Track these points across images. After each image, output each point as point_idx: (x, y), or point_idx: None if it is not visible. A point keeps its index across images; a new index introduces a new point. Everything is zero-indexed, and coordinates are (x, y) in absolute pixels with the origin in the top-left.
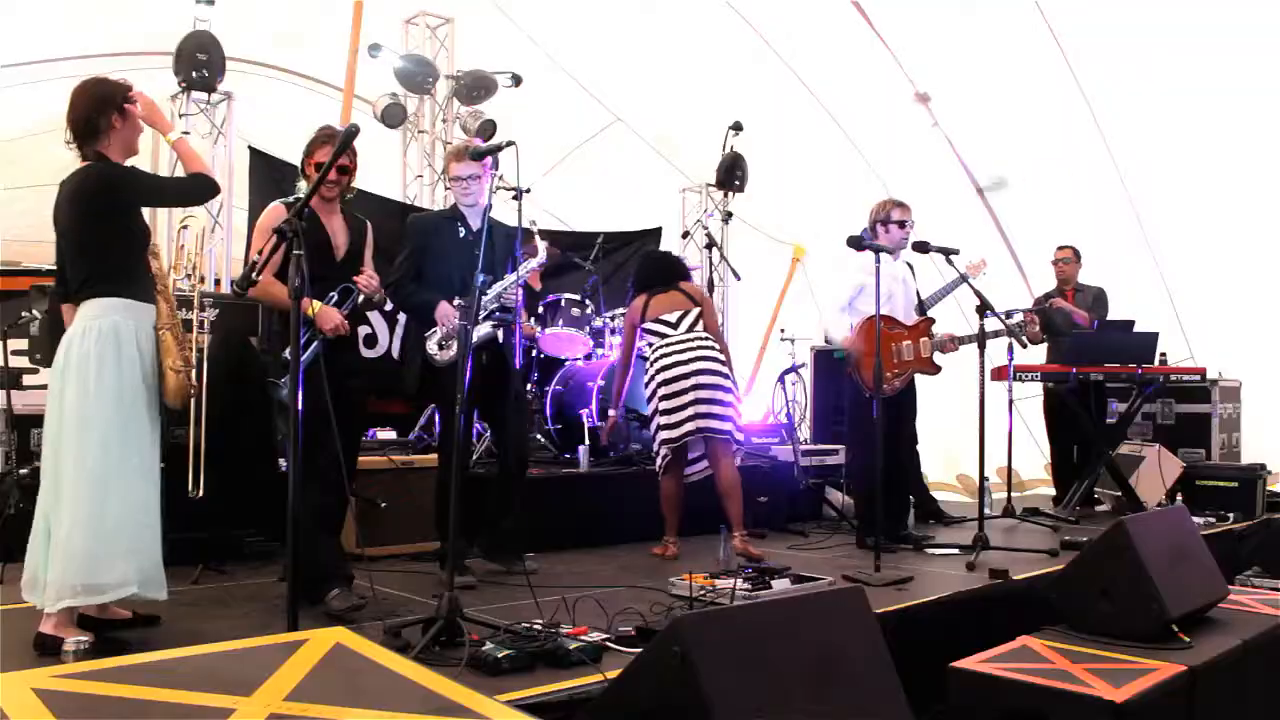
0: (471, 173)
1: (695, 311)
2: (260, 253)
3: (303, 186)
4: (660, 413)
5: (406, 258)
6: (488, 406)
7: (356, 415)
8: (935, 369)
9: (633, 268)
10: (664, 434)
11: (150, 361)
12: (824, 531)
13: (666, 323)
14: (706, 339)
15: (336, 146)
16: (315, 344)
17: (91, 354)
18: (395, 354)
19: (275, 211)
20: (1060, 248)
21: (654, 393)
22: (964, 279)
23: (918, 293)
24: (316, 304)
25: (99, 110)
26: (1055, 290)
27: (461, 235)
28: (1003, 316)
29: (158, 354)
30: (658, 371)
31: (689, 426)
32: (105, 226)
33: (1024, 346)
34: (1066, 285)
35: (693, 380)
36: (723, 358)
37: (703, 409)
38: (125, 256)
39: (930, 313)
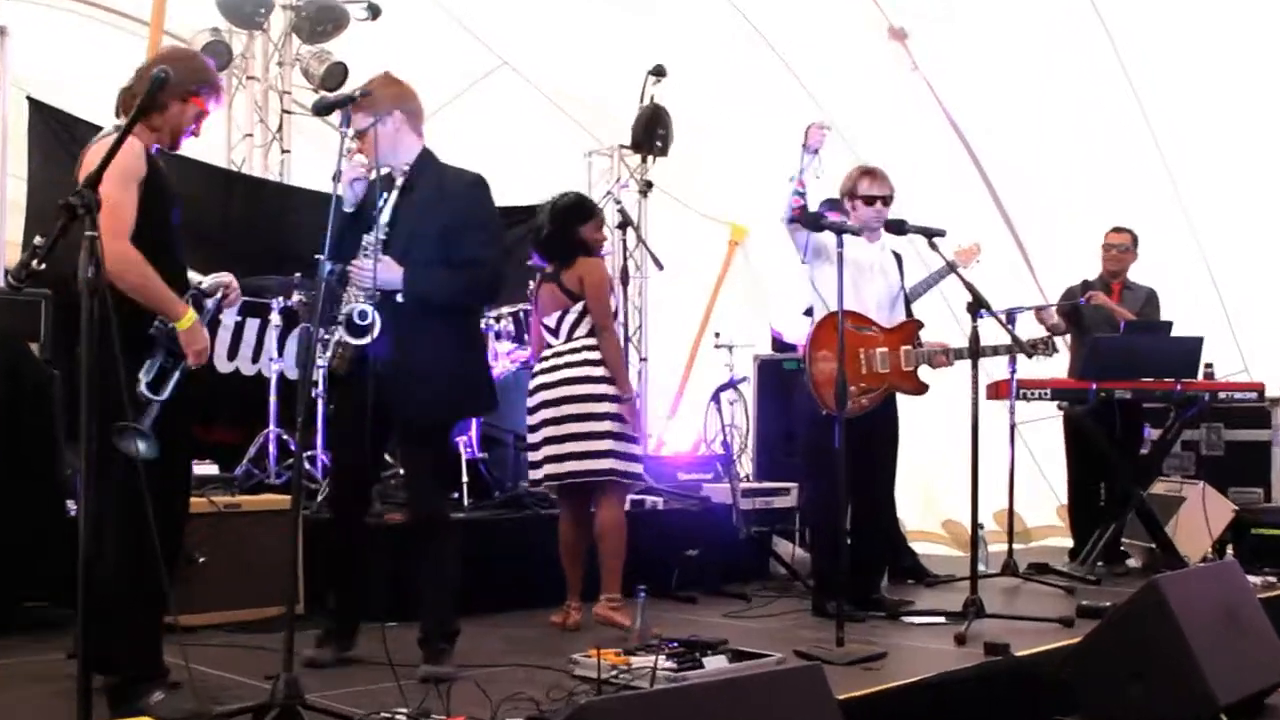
0: (363, 126)
1: (577, 310)
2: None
3: None
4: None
5: None
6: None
7: (189, 452)
8: (920, 387)
9: (530, 246)
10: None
11: None
12: (771, 594)
13: (548, 328)
14: (578, 353)
15: (139, 101)
16: (178, 373)
17: None
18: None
19: (134, 149)
20: (1117, 230)
21: None
22: (952, 268)
23: (903, 288)
24: (192, 313)
25: None
26: (1099, 282)
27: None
28: (1003, 318)
29: None
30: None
31: (539, 475)
32: None
33: (1029, 356)
34: (1115, 279)
35: (540, 415)
36: (599, 373)
37: (553, 450)
38: None
39: (916, 311)
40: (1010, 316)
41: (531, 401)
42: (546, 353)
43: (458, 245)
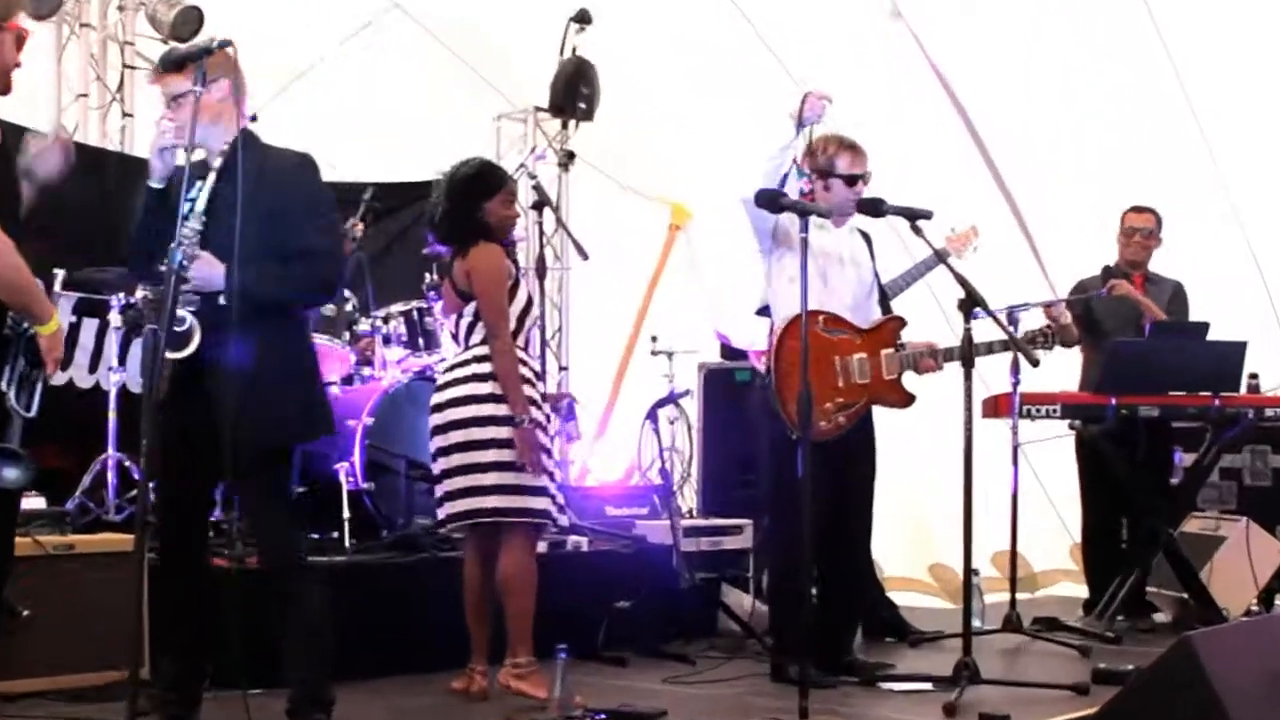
0: (180, 90)
1: (470, 312)
2: None
3: None
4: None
5: None
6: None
7: None
8: (905, 399)
9: (422, 237)
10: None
11: None
12: (720, 655)
13: (452, 334)
14: (466, 365)
15: None
16: (40, 384)
17: None
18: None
19: None
20: (1138, 209)
21: None
22: (941, 259)
23: (877, 278)
24: (58, 315)
25: None
26: (1118, 270)
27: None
28: (1002, 319)
29: None
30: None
31: (441, 513)
32: None
33: (1034, 364)
34: (1137, 269)
35: (436, 443)
36: (486, 390)
37: (452, 485)
38: None
39: (896, 308)
40: (1012, 316)
41: (430, 422)
42: (442, 364)
43: (287, 235)
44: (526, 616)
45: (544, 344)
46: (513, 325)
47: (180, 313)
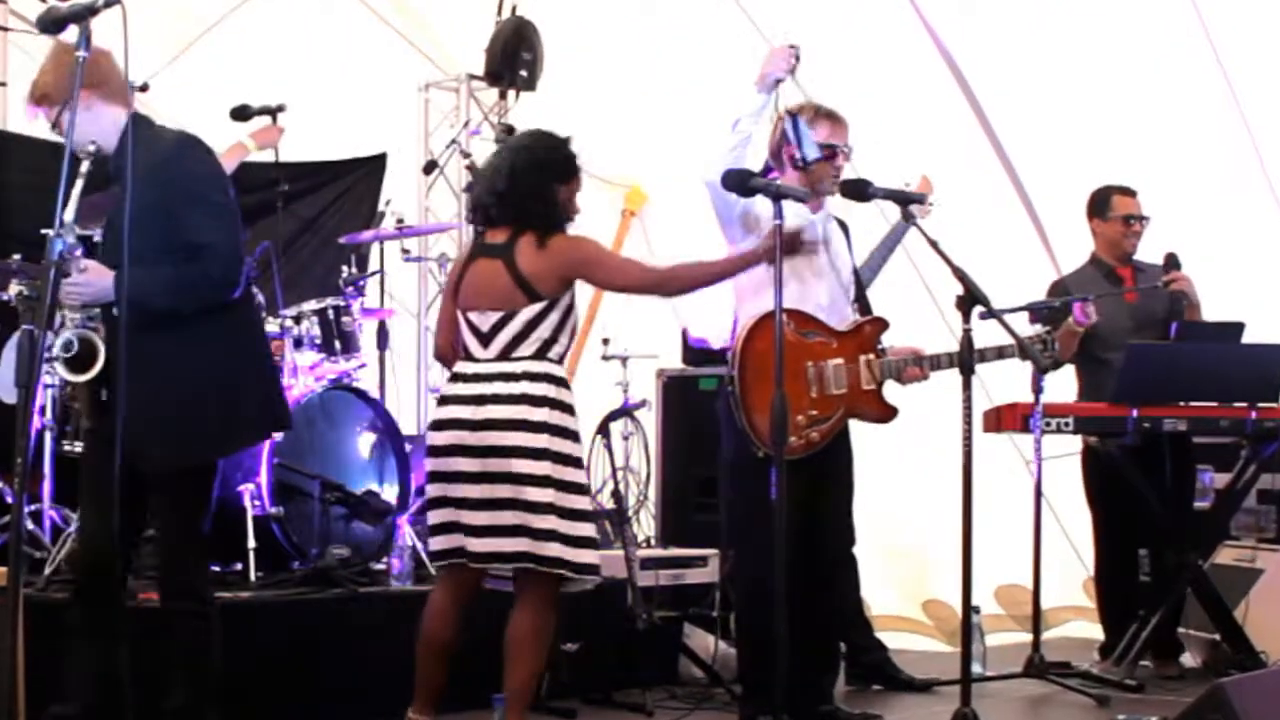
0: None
1: (530, 314)
2: None
3: None
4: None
5: None
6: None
7: None
8: (885, 412)
9: (344, 223)
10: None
11: None
12: (681, 706)
13: (475, 328)
14: (516, 381)
15: None
16: None
17: None
18: None
19: None
20: (1130, 191)
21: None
22: (910, 222)
23: (856, 272)
24: None
25: None
26: (1097, 268)
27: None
28: (1006, 319)
29: None
30: (430, 428)
31: (439, 544)
32: None
33: (1043, 371)
34: (1126, 263)
35: (458, 465)
36: (541, 418)
37: (488, 519)
38: None
39: (881, 303)
40: (1038, 315)
41: (437, 439)
42: (466, 369)
43: (175, 229)
44: (529, 681)
45: None
46: (566, 342)
47: (69, 335)
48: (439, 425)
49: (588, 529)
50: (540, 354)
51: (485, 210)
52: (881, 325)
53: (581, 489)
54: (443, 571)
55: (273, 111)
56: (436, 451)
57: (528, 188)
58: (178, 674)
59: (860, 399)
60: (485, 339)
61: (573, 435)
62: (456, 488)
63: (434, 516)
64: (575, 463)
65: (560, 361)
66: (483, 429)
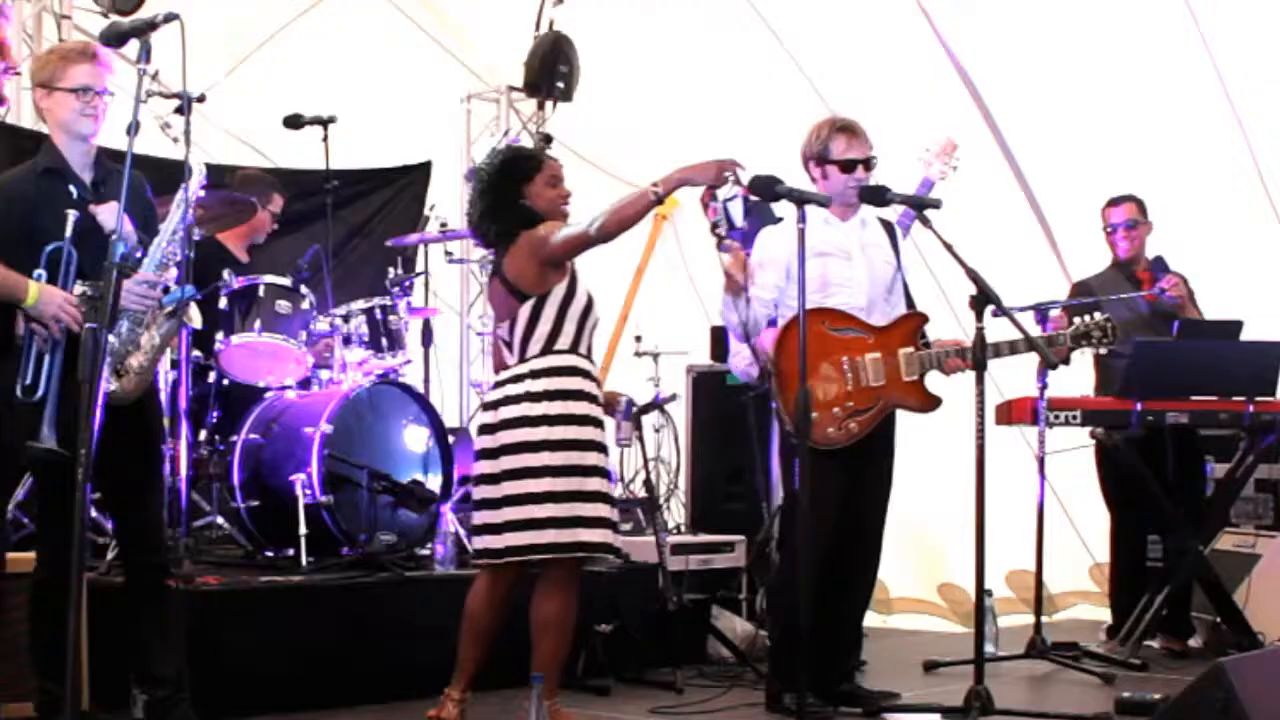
0: (102, 80)
1: (524, 316)
2: None
3: None
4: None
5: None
6: (112, 473)
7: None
8: (929, 402)
9: (391, 227)
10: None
11: None
12: (710, 684)
13: (503, 341)
14: (521, 381)
15: None
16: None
17: None
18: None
19: None
20: (1117, 201)
21: None
22: (926, 225)
23: (900, 273)
24: (34, 285)
25: None
26: (1112, 273)
27: (75, 196)
28: (1015, 317)
29: None
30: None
31: (481, 543)
32: None
33: (1053, 366)
34: (1136, 265)
35: (483, 468)
36: (540, 411)
37: (505, 515)
38: None
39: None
40: (1041, 314)
41: (475, 445)
42: (497, 379)
43: None
44: (556, 658)
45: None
46: (573, 330)
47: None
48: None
49: (593, 509)
50: (547, 348)
51: (481, 238)
52: (921, 319)
53: (589, 471)
54: None
55: (324, 122)
56: (474, 458)
57: (491, 203)
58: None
59: (901, 390)
60: (510, 347)
61: (579, 420)
62: (477, 489)
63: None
64: (582, 446)
65: (573, 350)
66: (496, 431)
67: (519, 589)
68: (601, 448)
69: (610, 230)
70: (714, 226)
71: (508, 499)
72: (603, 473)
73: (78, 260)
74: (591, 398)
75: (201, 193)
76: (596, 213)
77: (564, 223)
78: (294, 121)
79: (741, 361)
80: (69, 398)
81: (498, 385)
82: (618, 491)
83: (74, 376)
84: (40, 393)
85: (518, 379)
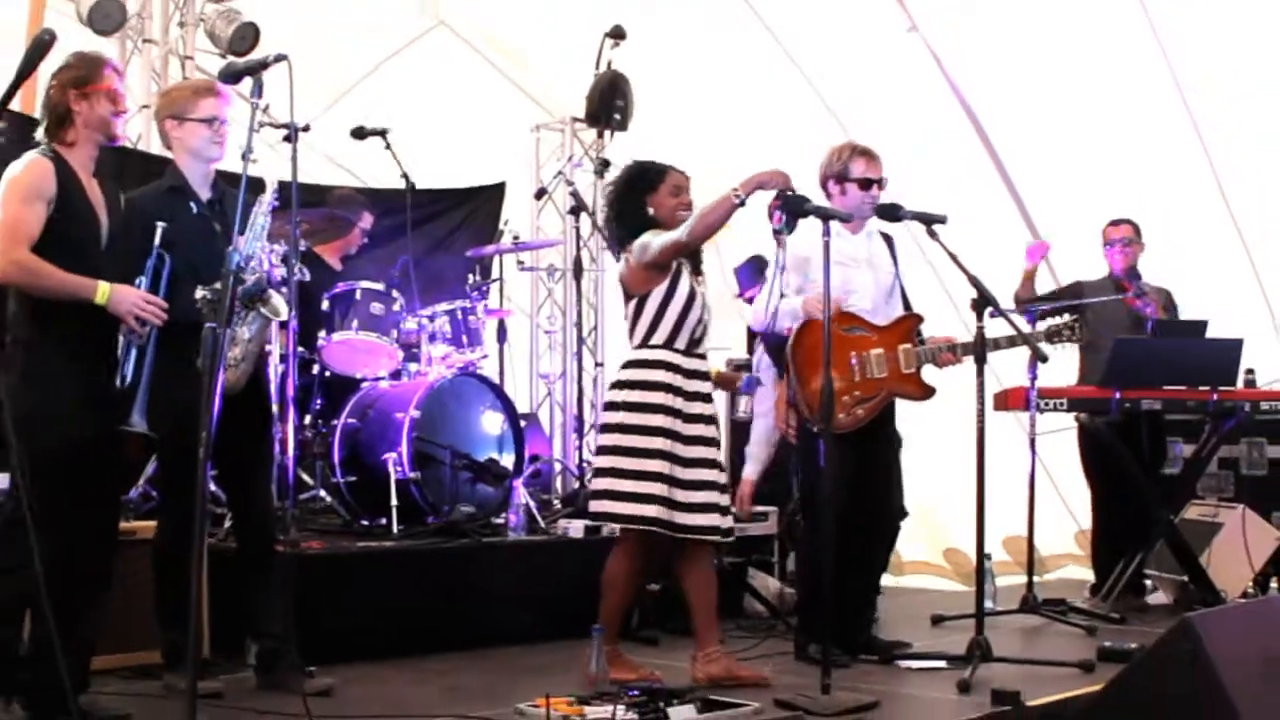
0: (225, 112)
1: (630, 313)
2: None
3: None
4: None
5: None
6: (227, 454)
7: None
8: (924, 391)
9: (471, 239)
10: None
11: None
12: (747, 635)
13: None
14: (621, 370)
15: (21, 63)
16: (134, 351)
17: None
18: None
19: (40, 169)
20: (1116, 222)
21: None
22: (934, 239)
23: (898, 280)
24: (104, 286)
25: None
26: (1107, 283)
27: (195, 212)
28: (1011, 316)
29: None
30: None
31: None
32: None
33: (1043, 359)
34: (1125, 277)
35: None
36: (620, 398)
37: (593, 485)
38: None
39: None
40: (1031, 315)
41: None
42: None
43: None
44: (614, 613)
45: (580, 341)
46: (669, 326)
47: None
48: None
49: (647, 487)
50: (643, 342)
51: (610, 243)
52: (917, 320)
53: (651, 454)
54: None
55: (381, 133)
56: None
57: (618, 211)
58: (274, 599)
59: (900, 381)
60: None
61: (651, 408)
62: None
63: None
64: (649, 432)
65: (667, 345)
66: (602, 411)
67: (656, 555)
68: (669, 434)
69: (699, 234)
70: (777, 233)
71: (596, 470)
72: (666, 456)
73: (197, 268)
74: (673, 389)
75: (275, 204)
76: (689, 219)
77: (665, 230)
78: (359, 133)
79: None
80: (164, 387)
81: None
82: None
83: (174, 367)
84: (129, 382)
85: (621, 368)
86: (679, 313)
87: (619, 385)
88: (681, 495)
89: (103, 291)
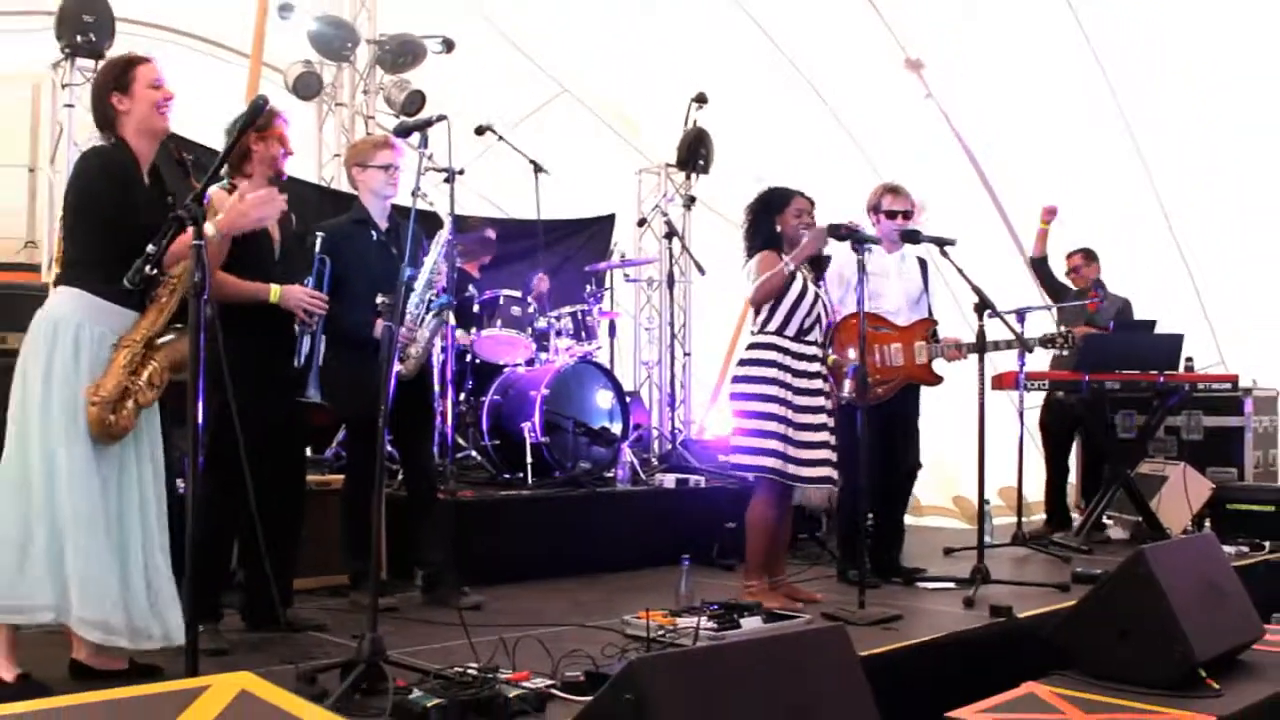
0: (398, 161)
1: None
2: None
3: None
4: None
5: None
6: (400, 424)
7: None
8: (934, 378)
9: (588, 257)
10: None
11: (86, 374)
12: (801, 563)
13: None
14: (744, 351)
15: (242, 120)
16: (308, 338)
17: (28, 350)
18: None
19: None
20: (1069, 255)
21: None
22: (946, 256)
23: (925, 294)
24: (276, 287)
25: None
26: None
27: (375, 239)
28: (1008, 318)
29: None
30: None
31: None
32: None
33: (1029, 350)
34: (1086, 290)
35: None
36: (741, 372)
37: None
38: (109, 247)
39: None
40: (1021, 315)
41: None
42: None
43: None
44: (754, 554)
45: (673, 337)
46: (782, 316)
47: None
48: None
49: (764, 443)
50: (761, 329)
51: (747, 254)
52: (932, 323)
53: (762, 416)
54: None
55: (490, 129)
56: None
57: (751, 226)
58: (437, 533)
59: (916, 370)
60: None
61: (763, 380)
62: None
63: None
64: (763, 399)
65: (779, 331)
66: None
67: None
68: (782, 402)
69: (759, 300)
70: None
71: (731, 432)
72: (779, 419)
73: (376, 282)
74: (783, 367)
75: (451, 239)
76: (754, 286)
77: (772, 265)
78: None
79: None
80: (354, 373)
81: None
82: None
83: (359, 358)
84: (302, 362)
85: (745, 349)
86: (790, 306)
87: (740, 363)
88: (794, 452)
89: (275, 292)
